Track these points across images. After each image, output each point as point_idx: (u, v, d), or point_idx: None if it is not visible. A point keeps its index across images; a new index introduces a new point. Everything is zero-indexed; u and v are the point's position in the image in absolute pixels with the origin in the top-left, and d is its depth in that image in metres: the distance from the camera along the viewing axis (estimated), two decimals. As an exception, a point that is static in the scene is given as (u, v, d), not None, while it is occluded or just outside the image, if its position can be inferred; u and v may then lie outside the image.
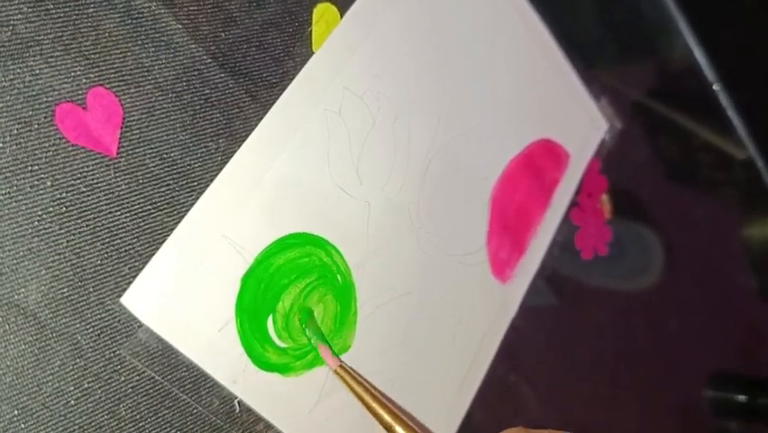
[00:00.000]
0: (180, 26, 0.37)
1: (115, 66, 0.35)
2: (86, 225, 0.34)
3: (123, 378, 0.35)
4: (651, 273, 0.68)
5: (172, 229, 0.36)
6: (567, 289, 0.59)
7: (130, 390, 0.35)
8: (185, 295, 0.36)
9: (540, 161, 0.53)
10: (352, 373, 0.39)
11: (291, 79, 0.40)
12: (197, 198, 0.37)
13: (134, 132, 0.35)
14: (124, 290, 0.34)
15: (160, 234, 0.36)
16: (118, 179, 0.35)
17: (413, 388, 0.46)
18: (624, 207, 0.63)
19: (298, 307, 0.40)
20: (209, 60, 0.38)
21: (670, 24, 0.68)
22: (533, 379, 0.55)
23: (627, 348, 0.66)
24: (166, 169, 0.36)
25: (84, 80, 0.34)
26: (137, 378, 0.35)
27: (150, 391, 0.36)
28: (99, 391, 0.34)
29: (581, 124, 0.57)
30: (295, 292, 0.40)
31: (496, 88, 0.50)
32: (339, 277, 0.42)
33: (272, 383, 0.39)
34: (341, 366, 0.39)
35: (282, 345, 0.40)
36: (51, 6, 0.33)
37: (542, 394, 0.57)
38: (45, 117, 0.33)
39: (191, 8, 0.37)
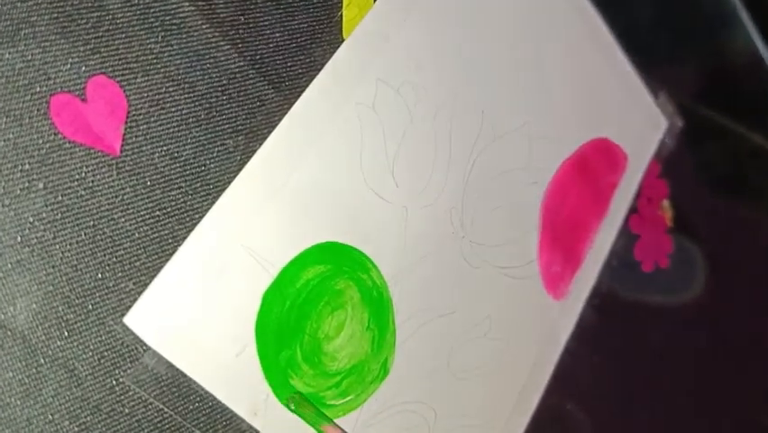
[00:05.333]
0: (194, 8, 0.32)
1: (119, 52, 0.31)
2: (85, 234, 0.30)
3: (126, 410, 0.31)
4: (693, 288, 0.62)
5: (184, 238, 0.31)
6: (614, 304, 0.53)
7: (135, 424, 0.31)
8: (197, 314, 0.31)
9: (595, 163, 0.48)
10: None
11: (319, 69, 0.36)
12: (213, 203, 0.32)
13: (141, 127, 0.31)
14: (128, 308, 0.30)
15: (169, 243, 0.31)
16: (122, 181, 0.31)
17: (458, 418, 0.41)
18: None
19: (287, 395, 0.34)
20: (227, 47, 0.33)
21: (732, 16, 0.63)
22: (589, 406, 0.50)
23: (686, 371, 0.60)
24: (177, 169, 0.32)
25: (83, 68, 0.30)
26: (143, 410, 0.31)
27: (159, 424, 0.31)
28: (99, 426, 0.30)
29: (639, 122, 0.52)
30: (325, 310, 0.35)
31: (546, 83, 0.45)
32: (374, 292, 0.37)
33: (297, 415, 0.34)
34: None
35: (310, 372, 0.35)
36: (46, -17, 0.29)
37: (599, 423, 0.51)
38: (39, 110, 0.29)
39: (206, -12, 0.33)
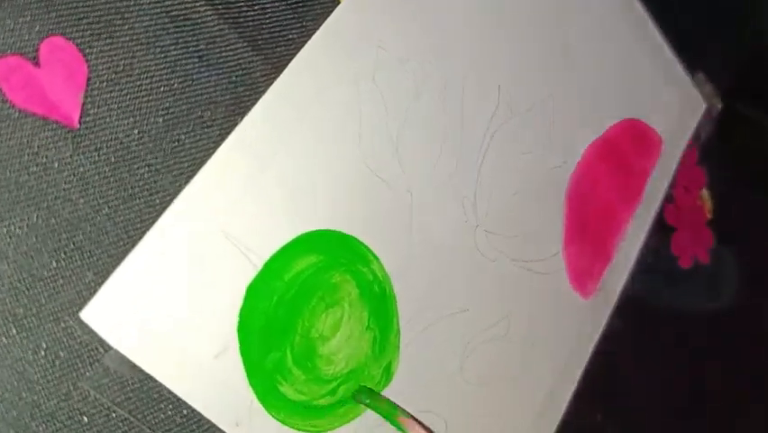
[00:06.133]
0: (166, -37, 0.29)
1: (79, 10, 0.27)
2: (38, 217, 0.26)
3: (85, 419, 0.27)
4: (733, 288, 0.56)
5: (153, 222, 0.27)
6: (648, 304, 0.48)
7: (96, 435, 0.27)
8: (168, 309, 0.27)
9: (626, 147, 0.43)
10: None
11: (311, 34, 0.32)
12: (187, 183, 0.28)
13: (103, 96, 0.27)
14: (87, 301, 0.26)
15: (136, 228, 0.28)
16: (81, 157, 0.27)
17: (472, 430, 0.37)
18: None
19: (354, 390, 0.32)
20: (204, 8, 0.30)
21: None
22: (623, 417, 0.45)
23: (727, 377, 0.55)
24: (146, 144, 0.28)
25: (36, 27, 0.27)
26: (104, 420, 0.27)
27: (124, 436, 0.27)
28: (54, 438, 0.26)
29: (674, 103, 0.47)
30: (319, 307, 0.31)
31: (572, 55, 0.41)
32: (376, 287, 0.33)
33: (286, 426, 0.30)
34: None
35: (302, 376, 0.30)
36: (-7, -70, 0.25)
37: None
38: (-17, 74, 0.25)
39: (181, -59, 0.29)
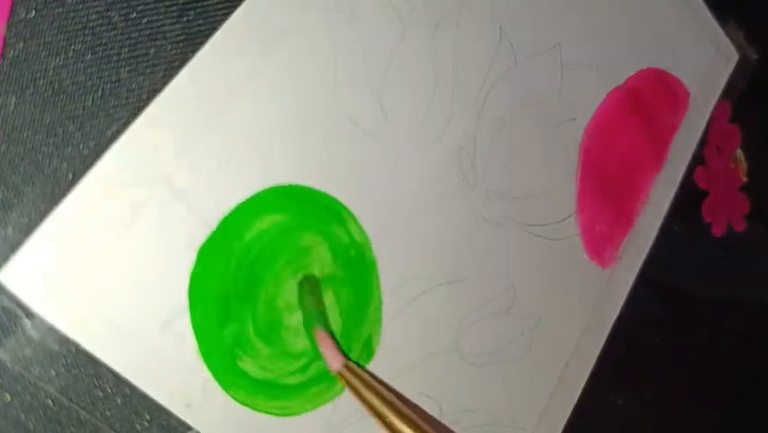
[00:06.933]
0: None
1: (-2, -73, 0.23)
2: (-51, 163, 0.22)
3: (8, 397, 0.23)
4: (763, 266, 0.51)
5: (86, 171, 0.24)
6: (675, 275, 0.43)
7: (22, 417, 0.23)
8: (104, 271, 0.24)
9: (648, 99, 0.38)
10: (363, 376, 0.26)
11: (276, -39, 0.27)
12: (127, 126, 0.24)
13: (31, 27, 0.24)
14: (6, 259, 0.22)
15: (67, 177, 0.24)
16: (3, 97, 0.24)
17: (471, 414, 0.33)
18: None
19: (302, 277, 0.28)
20: (151, -70, 0.26)
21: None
22: (647, 402, 0.40)
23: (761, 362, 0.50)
24: (79, 81, 0.24)
25: (-53, -55, 0.22)
26: (29, 398, 0.23)
27: (54, 419, 0.24)
28: (-29, 419, 0.23)
29: (703, 53, 0.42)
30: (286, 272, 0.27)
31: (583, -5, 0.36)
32: (353, 252, 0.29)
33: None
34: (346, 366, 0.26)
35: (266, 351, 0.27)
36: None
37: (659, 422, 0.41)
38: None
39: None
